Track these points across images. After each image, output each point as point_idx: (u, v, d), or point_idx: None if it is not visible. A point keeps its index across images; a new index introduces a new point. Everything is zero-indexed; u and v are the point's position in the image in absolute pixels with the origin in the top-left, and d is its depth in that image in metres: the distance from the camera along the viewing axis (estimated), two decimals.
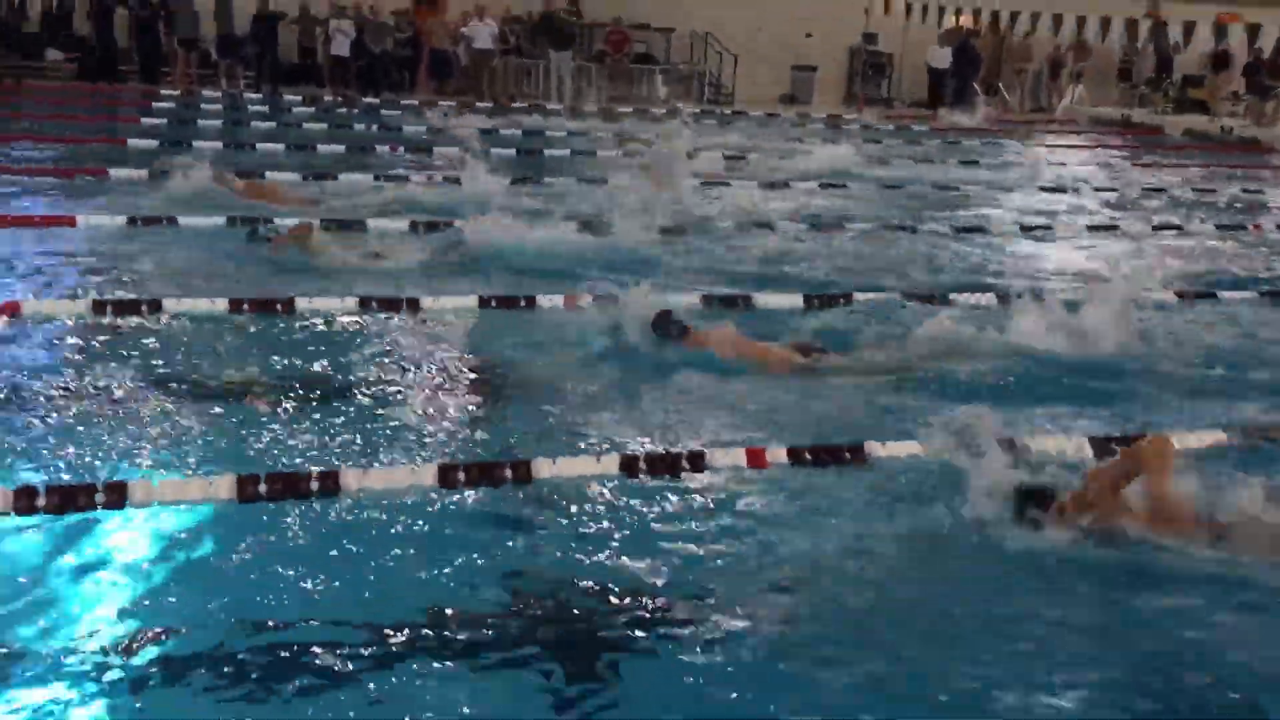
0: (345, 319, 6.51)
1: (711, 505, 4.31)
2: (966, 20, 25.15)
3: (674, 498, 4.35)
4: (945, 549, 4.00)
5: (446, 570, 3.76)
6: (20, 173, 10.56)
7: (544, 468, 4.41)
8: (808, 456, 4.66)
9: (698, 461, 4.55)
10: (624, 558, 3.90)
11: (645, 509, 4.26)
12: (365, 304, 6.71)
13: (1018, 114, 24.46)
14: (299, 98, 19.70)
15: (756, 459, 4.61)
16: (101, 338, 5.91)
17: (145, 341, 5.89)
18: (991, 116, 22.32)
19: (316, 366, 5.73)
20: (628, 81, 23.72)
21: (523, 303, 6.97)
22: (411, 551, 3.87)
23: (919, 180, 13.84)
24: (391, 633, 3.36)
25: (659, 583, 3.76)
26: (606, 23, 23.76)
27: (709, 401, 5.48)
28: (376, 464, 4.44)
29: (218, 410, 5.02)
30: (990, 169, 15.89)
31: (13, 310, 6.10)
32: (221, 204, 9.45)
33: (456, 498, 4.25)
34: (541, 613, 3.59)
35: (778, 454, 4.65)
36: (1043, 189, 14.08)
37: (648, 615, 3.59)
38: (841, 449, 4.74)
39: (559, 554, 3.94)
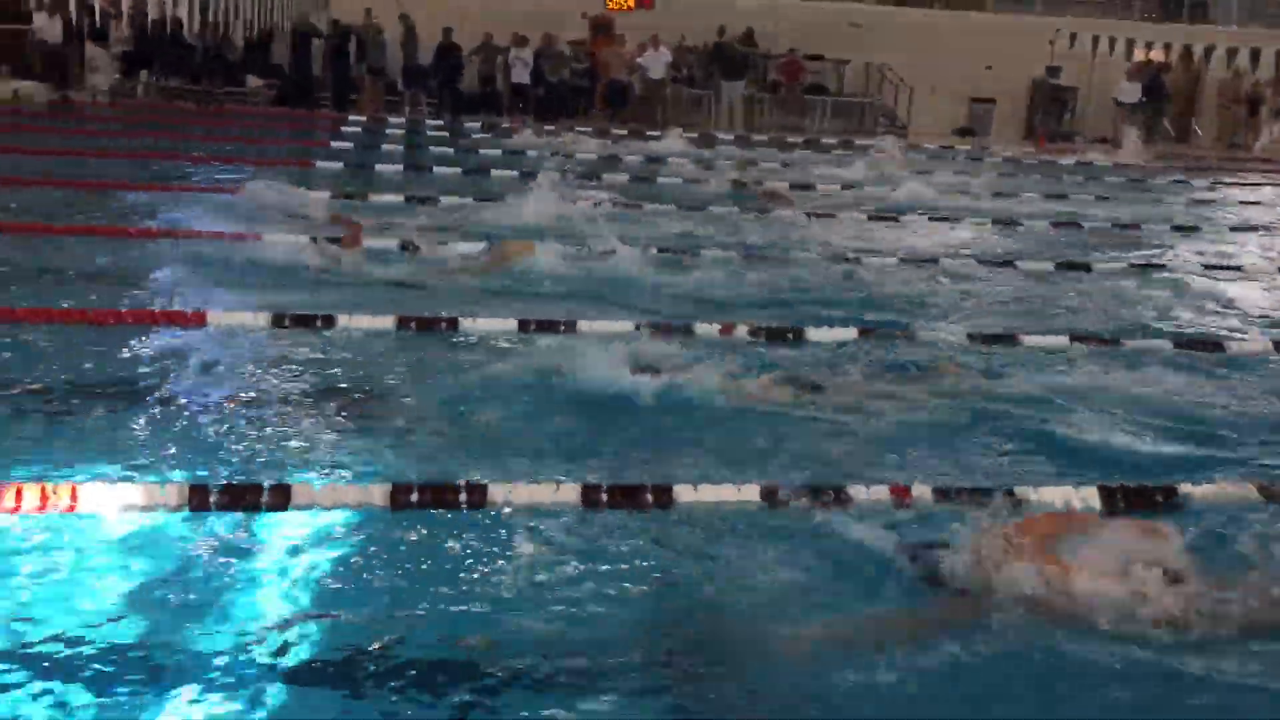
0: (505, 340, 6.66)
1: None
2: (1158, 54, 24.17)
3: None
4: None
5: (579, 587, 3.79)
6: (214, 190, 11.21)
7: (685, 493, 4.41)
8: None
9: (841, 495, 4.47)
10: (752, 588, 3.87)
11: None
12: (524, 326, 6.86)
13: (1213, 151, 23.34)
14: (478, 124, 20.38)
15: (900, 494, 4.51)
16: (278, 349, 6.19)
17: (318, 354, 6.15)
18: (1162, 153, 21.37)
19: (471, 379, 5.86)
20: (799, 112, 23.67)
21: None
22: (553, 568, 3.91)
23: (1096, 217, 13.35)
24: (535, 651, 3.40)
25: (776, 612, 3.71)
26: (781, 54, 23.79)
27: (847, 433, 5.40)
28: (522, 480, 4.51)
29: (377, 421, 5.21)
30: (1175, 207, 15.20)
31: (199, 320, 6.48)
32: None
33: (597, 518, 4.29)
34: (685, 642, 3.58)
35: (923, 491, 4.54)
36: (1233, 229, 13.38)
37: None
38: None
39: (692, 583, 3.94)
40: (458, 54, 21.44)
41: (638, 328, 6.63)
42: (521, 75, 21.56)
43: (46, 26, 19.88)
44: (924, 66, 23.49)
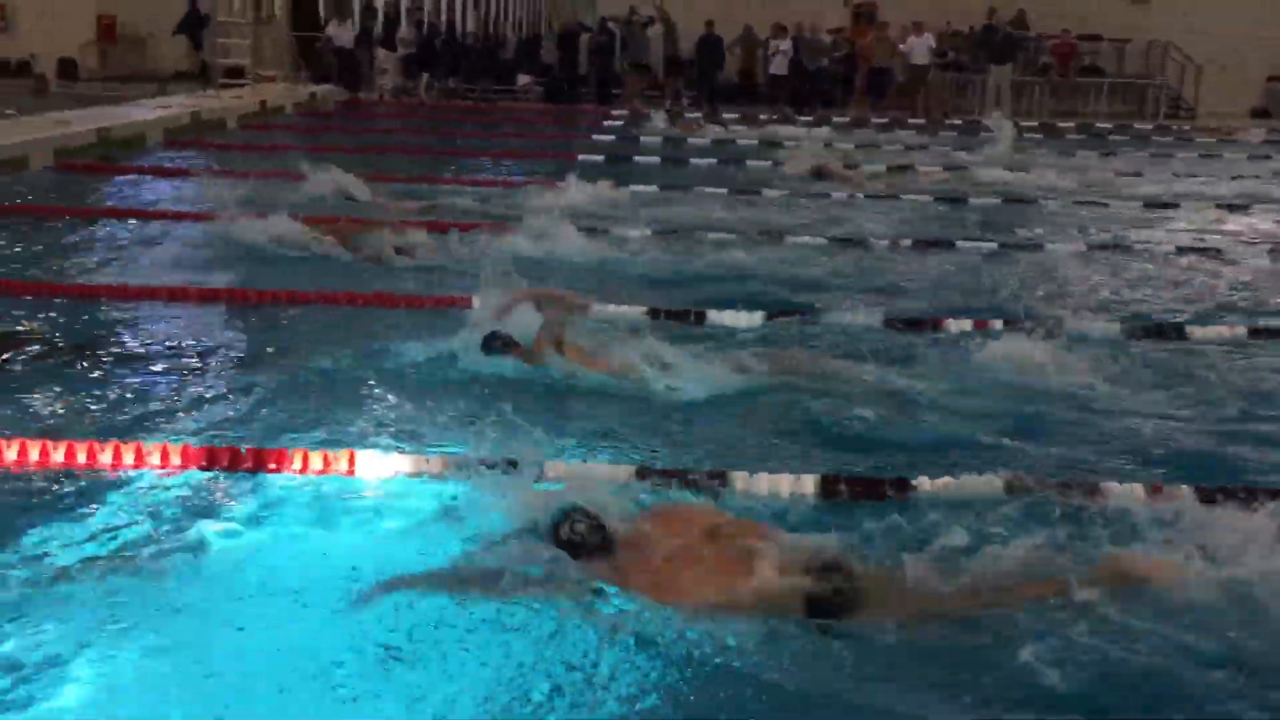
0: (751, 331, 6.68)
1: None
2: None
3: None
4: None
5: None
6: (480, 184, 11.81)
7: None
8: None
9: (1094, 491, 4.29)
10: None
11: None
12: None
13: None
14: (736, 115, 20.54)
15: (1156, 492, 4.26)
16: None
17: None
18: None
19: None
20: (1072, 96, 22.53)
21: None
22: None
23: None
24: None
25: None
26: (1054, 35, 22.71)
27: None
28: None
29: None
30: None
31: (465, 304, 6.84)
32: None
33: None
34: None
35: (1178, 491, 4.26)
36: None
37: None
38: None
39: None
40: (718, 46, 21.66)
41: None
42: (780, 65, 21.55)
43: (339, 33, 21.48)
44: (1213, 43, 21.85)
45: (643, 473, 4.36)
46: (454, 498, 4.10)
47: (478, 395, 5.18)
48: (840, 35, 22.42)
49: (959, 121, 20.84)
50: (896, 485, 4.37)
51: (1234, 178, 14.39)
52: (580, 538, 3.47)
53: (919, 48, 21.36)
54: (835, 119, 20.71)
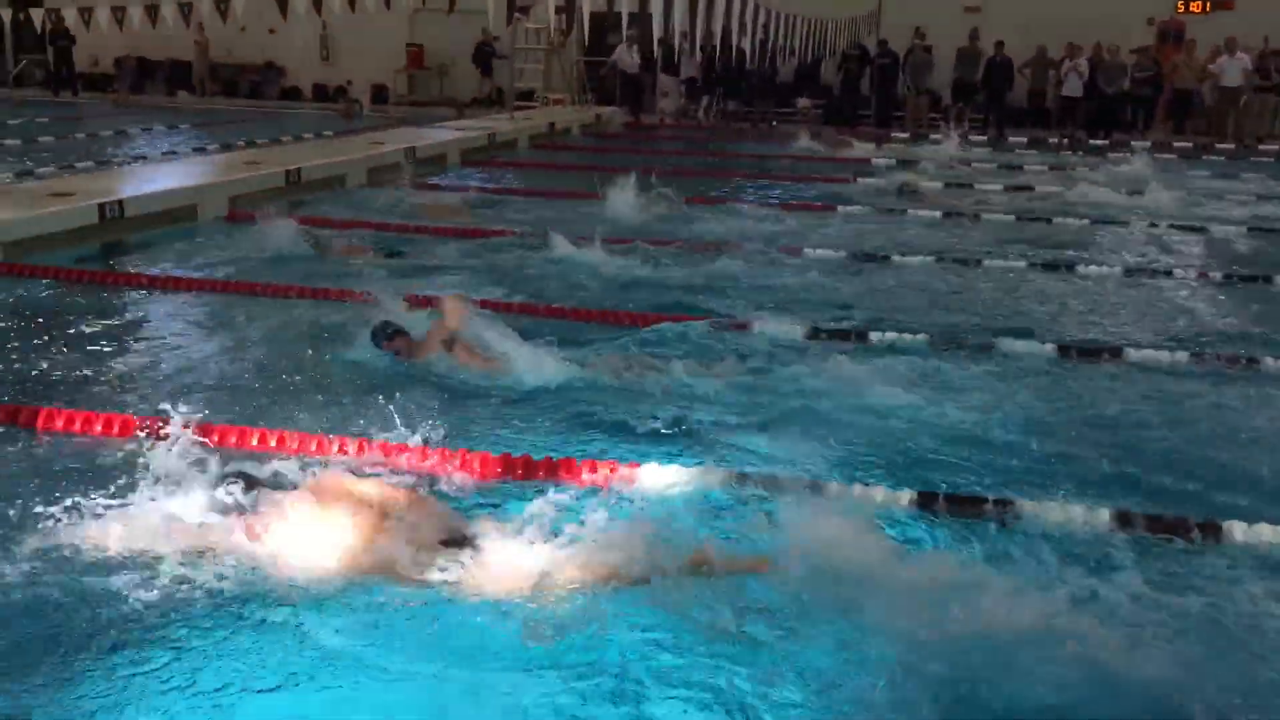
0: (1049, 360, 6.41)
1: None
2: None
3: None
4: None
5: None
6: (754, 205, 11.84)
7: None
8: None
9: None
10: None
11: None
12: (1064, 350, 6.57)
13: None
14: (1024, 139, 19.75)
15: None
16: (818, 353, 6.41)
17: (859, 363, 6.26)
18: None
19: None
20: None
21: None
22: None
23: None
24: None
25: None
26: None
27: None
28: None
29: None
30: None
31: (741, 326, 6.91)
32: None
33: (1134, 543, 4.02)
34: None
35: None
36: None
37: None
38: None
39: None
40: (1008, 67, 20.89)
41: None
42: (1074, 87, 20.52)
43: (625, 58, 22.15)
44: None
45: None
46: None
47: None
48: (1144, 55, 21.11)
49: (1275, 147, 19.23)
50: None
51: None
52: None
53: (1232, 68, 19.82)
54: (1134, 144, 19.54)
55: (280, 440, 4.74)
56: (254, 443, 4.72)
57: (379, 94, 25.39)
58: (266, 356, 6.20)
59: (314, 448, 4.66)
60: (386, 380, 5.63)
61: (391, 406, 4.72)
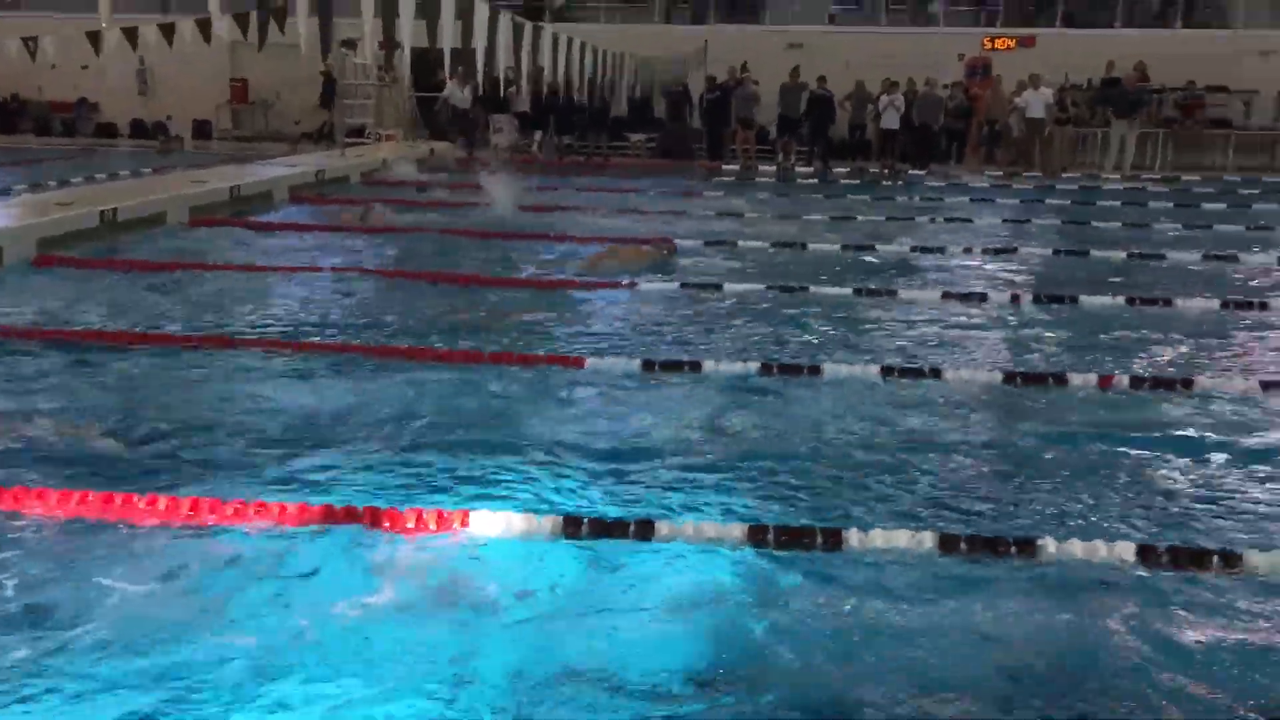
0: (870, 382, 6.63)
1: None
2: None
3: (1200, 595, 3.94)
4: None
5: (944, 644, 3.69)
6: (583, 240, 11.93)
7: (1050, 547, 4.20)
8: None
9: (1232, 561, 4.09)
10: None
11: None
12: (887, 371, 6.81)
13: None
14: (846, 170, 20.49)
15: None
16: (652, 389, 6.50)
17: (681, 395, 6.40)
18: None
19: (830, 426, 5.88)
20: (1196, 149, 21.92)
21: None
22: (908, 617, 3.84)
23: None
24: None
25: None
26: (1178, 87, 22.17)
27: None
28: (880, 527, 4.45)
29: (733, 463, 5.33)
30: None
31: (579, 364, 6.93)
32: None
33: (953, 568, 4.17)
34: None
35: None
36: None
37: None
38: None
39: None
40: (829, 102, 21.65)
41: None
42: (892, 120, 21.41)
43: (457, 94, 22.05)
44: None
45: None
46: None
47: None
48: (956, 89, 22.19)
49: (1077, 175, 20.47)
50: None
51: None
52: None
53: (1036, 101, 21.01)
54: (949, 173, 20.51)
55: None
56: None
57: (201, 129, 24.60)
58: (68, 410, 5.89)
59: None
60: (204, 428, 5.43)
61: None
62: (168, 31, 16.78)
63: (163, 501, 4.48)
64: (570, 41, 15.20)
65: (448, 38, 10.43)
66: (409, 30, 9.92)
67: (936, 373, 6.82)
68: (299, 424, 5.67)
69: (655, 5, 25.32)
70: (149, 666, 3.39)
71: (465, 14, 10.71)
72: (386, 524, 4.38)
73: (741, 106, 21.92)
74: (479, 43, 10.96)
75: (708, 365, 6.90)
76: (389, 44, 10.30)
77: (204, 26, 16.47)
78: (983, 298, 9.29)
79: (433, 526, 4.37)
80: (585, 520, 4.42)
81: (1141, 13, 23.97)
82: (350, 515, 4.42)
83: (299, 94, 23.66)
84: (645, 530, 4.36)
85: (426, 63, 22.71)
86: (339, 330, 7.80)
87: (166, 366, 6.69)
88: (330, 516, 4.42)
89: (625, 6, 25.32)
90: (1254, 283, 10.37)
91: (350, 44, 20.23)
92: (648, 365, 6.90)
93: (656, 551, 4.27)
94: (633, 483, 5.02)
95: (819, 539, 4.30)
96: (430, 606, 3.83)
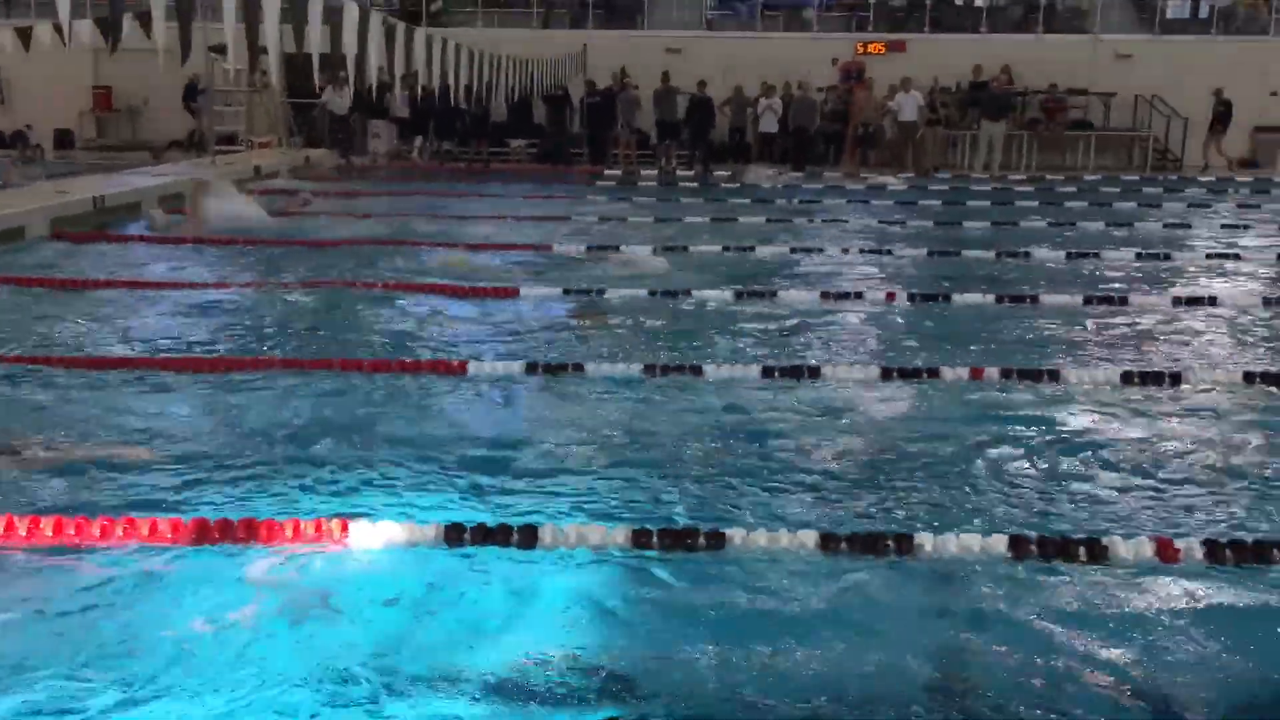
0: (751, 385, 6.71)
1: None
2: None
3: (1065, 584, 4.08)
4: None
5: (821, 635, 3.74)
6: (477, 248, 11.83)
7: (926, 543, 4.30)
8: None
9: (1096, 550, 4.25)
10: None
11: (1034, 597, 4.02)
12: (768, 372, 6.90)
13: None
14: (727, 173, 20.71)
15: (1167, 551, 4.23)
16: (539, 396, 6.48)
17: (571, 401, 6.38)
18: None
19: (714, 427, 5.93)
20: (1059, 149, 22.76)
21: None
22: (791, 613, 3.89)
23: None
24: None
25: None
26: (1041, 90, 22.99)
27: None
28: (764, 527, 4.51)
29: (625, 464, 5.34)
30: None
31: (462, 369, 6.86)
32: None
33: (837, 562, 4.24)
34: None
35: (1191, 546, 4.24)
36: None
37: None
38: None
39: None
40: (709, 107, 21.88)
41: None
42: (770, 124, 21.75)
43: (334, 100, 21.65)
44: (1200, 96, 22.13)
45: None
46: None
47: None
48: (831, 93, 22.65)
49: (949, 176, 21.07)
50: None
51: (1224, 226, 14.55)
52: None
53: (908, 105, 21.56)
54: (826, 174, 20.91)
55: None
56: None
57: (63, 139, 23.69)
58: None
59: None
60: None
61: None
62: (24, 36, 16.08)
63: (22, 524, 4.29)
64: (445, 44, 15.04)
65: (315, 42, 10.20)
66: (274, 35, 9.68)
67: (815, 371, 6.94)
68: (170, 439, 5.50)
69: (534, 10, 25.25)
70: (8, 696, 3.24)
71: (334, 17, 10.49)
72: (262, 537, 4.26)
73: (624, 111, 22.03)
74: (350, 48, 10.76)
75: (590, 368, 6.91)
76: (254, 49, 10.00)
77: (61, 31, 15.84)
78: (859, 296, 9.48)
79: (311, 537, 4.27)
80: (468, 527, 4.37)
81: (1005, 19, 24.79)
82: (225, 530, 4.29)
83: (169, 101, 22.95)
84: (529, 537, 4.34)
85: (300, 68, 22.26)
86: (211, 343, 7.59)
87: (35, 384, 6.42)
88: (204, 532, 4.29)
89: (503, 10, 25.18)
90: (1115, 278, 10.79)
91: (219, 49, 19.69)
92: (531, 368, 6.88)
93: (538, 560, 4.25)
94: (516, 489, 4.98)
95: (702, 540, 4.32)
96: (308, 619, 3.74)
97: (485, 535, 4.34)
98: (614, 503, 4.85)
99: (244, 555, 4.18)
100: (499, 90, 18.98)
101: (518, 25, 24.86)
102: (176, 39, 10.75)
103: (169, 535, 4.27)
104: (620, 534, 4.38)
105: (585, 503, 4.83)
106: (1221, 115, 22.11)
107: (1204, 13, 24.54)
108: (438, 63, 15.88)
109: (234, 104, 22.78)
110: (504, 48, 20.64)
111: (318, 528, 4.32)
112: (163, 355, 7.16)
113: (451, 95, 20.85)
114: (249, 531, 4.29)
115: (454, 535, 4.33)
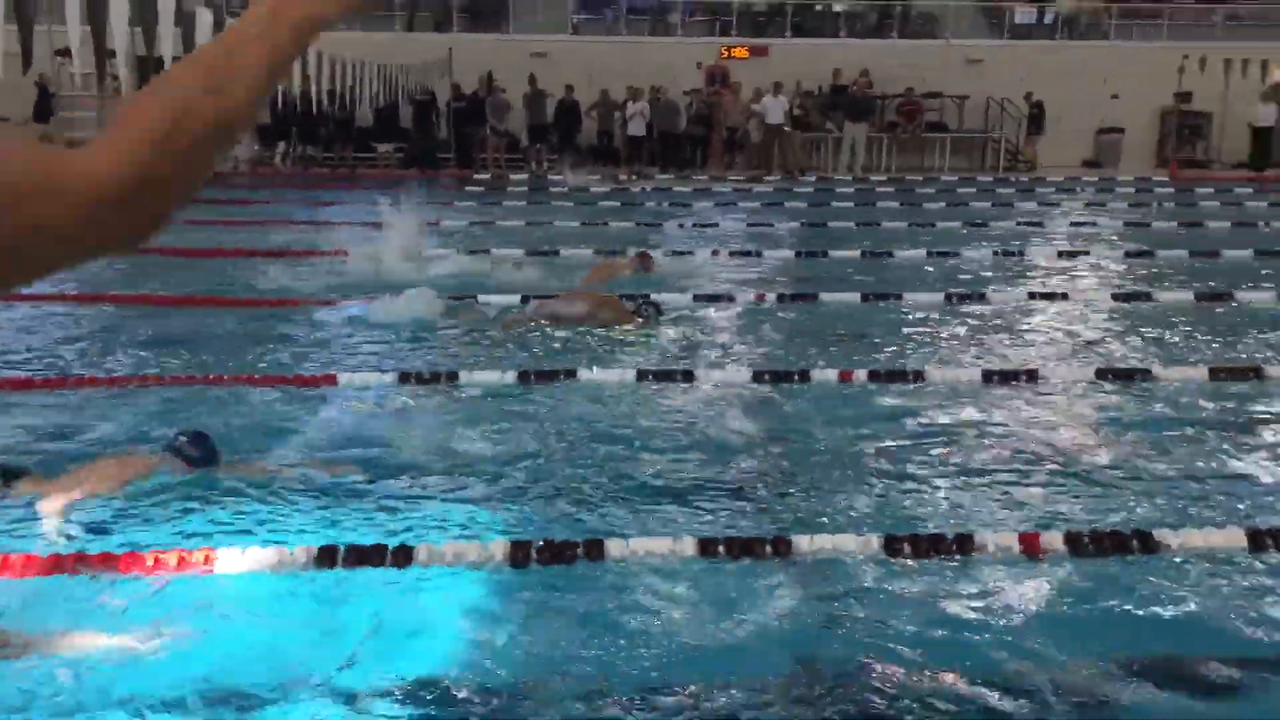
0: (624, 390, 6.72)
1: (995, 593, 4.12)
2: None
3: (932, 578, 4.19)
4: None
5: (708, 641, 3.77)
6: (340, 254, 11.58)
7: (804, 544, 4.37)
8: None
9: (966, 545, 4.38)
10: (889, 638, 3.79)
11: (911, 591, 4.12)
12: (642, 375, 6.92)
13: None
14: (597, 177, 20.75)
15: (1031, 546, 4.38)
16: (405, 408, 6.38)
17: (439, 412, 6.31)
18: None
19: (589, 434, 5.93)
20: (917, 151, 23.44)
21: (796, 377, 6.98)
22: (671, 620, 3.91)
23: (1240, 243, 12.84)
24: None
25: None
26: (898, 94, 23.64)
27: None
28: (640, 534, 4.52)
29: (500, 477, 5.29)
30: None
31: (331, 381, 6.71)
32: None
33: (716, 567, 4.27)
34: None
35: (1053, 539, 4.41)
36: None
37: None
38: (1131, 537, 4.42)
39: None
40: (576, 110, 21.89)
41: None
42: (638, 127, 21.87)
43: None
44: (1048, 99, 23.06)
45: None
46: None
47: None
48: (697, 97, 22.89)
49: (814, 177, 21.50)
50: None
51: (1073, 224, 15.18)
52: None
53: (774, 108, 21.93)
54: (694, 177, 21.12)
55: None
56: None
57: None
58: None
59: None
60: None
61: None
62: None
63: None
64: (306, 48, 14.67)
65: (168, 45, 9.83)
66: (124, 38, 9.28)
67: (689, 375, 6.99)
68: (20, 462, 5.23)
69: (396, 13, 24.87)
70: None
71: (186, 20, 10.13)
72: (123, 567, 4.09)
73: (493, 115, 21.88)
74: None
75: (464, 375, 6.84)
76: (101, 52, 9.58)
77: None
78: (730, 299, 9.59)
79: (174, 566, 4.12)
80: (341, 549, 4.27)
81: (863, 24, 25.42)
82: (82, 560, 4.10)
83: (14, 107, 21.85)
84: (403, 557, 4.26)
85: (153, 72, 21.47)
86: (58, 361, 7.26)
87: None
88: (59, 564, 4.09)
89: (364, 14, 24.69)
90: (971, 276, 11.15)
91: (65, 52, 18.86)
92: (403, 378, 6.78)
93: (415, 577, 4.18)
94: (389, 507, 4.89)
95: (581, 551, 4.31)
96: (173, 648, 3.60)
97: (359, 557, 4.25)
98: (490, 516, 4.80)
99: (110, 585, 4.00)
100: (363, 95, 18.64)
101: (380, 29, 24.44)
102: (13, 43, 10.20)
103: (20, 568, 4.06)
104: (498, 549, 4.33)
105: (462, 517, 4.78)
106: (1035, 117, 23.13)
107: (1049, 19, 25.55)
108: (299, 66, 15.51)
109: (84, 110, 21.82)
110: (367, 51, 20.29)
111: (180, 558, 4.16)
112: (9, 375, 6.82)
113: (314, 100, 20.37)
114: (107, 562, 4.11)
115: (326, 559, 4.22)
